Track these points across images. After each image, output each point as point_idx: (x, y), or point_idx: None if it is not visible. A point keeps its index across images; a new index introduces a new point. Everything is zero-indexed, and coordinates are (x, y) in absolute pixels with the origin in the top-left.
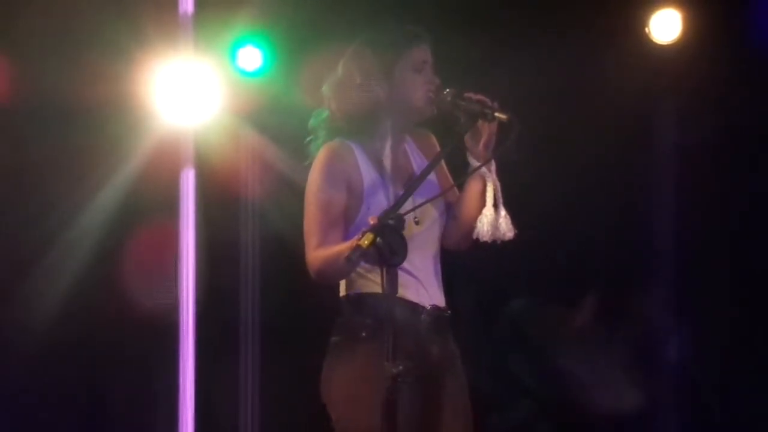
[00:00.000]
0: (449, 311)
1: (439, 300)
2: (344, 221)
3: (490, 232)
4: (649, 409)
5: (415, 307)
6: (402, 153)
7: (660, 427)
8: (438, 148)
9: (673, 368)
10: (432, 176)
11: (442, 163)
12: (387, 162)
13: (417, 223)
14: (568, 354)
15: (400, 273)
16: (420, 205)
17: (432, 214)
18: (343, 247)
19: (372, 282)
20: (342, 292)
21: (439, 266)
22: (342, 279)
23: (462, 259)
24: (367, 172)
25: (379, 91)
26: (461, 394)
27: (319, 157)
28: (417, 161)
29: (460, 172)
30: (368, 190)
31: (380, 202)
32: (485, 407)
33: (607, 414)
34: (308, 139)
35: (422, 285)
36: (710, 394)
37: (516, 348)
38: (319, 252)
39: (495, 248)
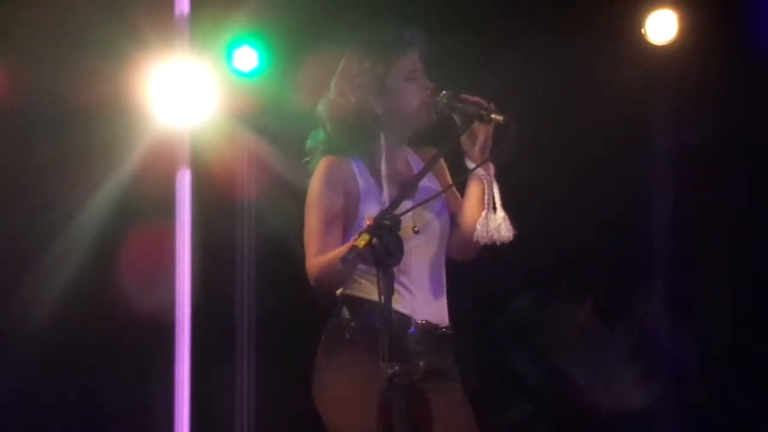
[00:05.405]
0: (449, 328)
1: (436, 315)
2: (343, 230)
3: (488, 234)
4: (649, 409)
5: (404, 319)
6: (403, 164)
7: (660, 427)
8: (443, 166)
9: (673, 368)
10: (434, 184)
11: (446, 170)
12: (384, 172)
13: (416, 232)
14: (568, 353)
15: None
16: (417, 205)
17: (429, 219)
18: (339, 251)
19: (363, 286)
20: (336, 292)
21: (442, 277)
22: (341, 285)
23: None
24: (363, 184)
25: (375, 106)
26: (458, 407)
27: (319, 169)
28: None
29: (460, 176)
30: (364, 199)
31: (375, 212)
32: (485, 407)
33: (607, 413)
34: (306, 159)
35: (415, 297)
36: (710, 394)
37: (516, 347)
38: (318, 259)
39: (494, 248)
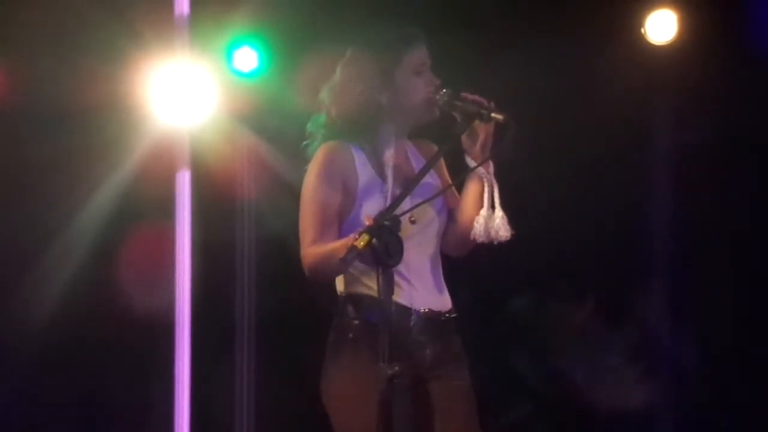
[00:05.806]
0: (452, 313)
1: (437, 303)
2: (339, 220)
3: (486, 233)
4: (649, 409)
5: (404, 311)
6: (403, 157)
7: (660, 427)
8: (441, 162)
9: (673, 368)
10: (433, 179)
11: (444, 167)
12: (387, 164)
13: (413, 222)
14: (568, 353)
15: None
16: (417, 205)
17: (429, 214)
18: (337, 245)
19: (363, 283)
20: (338, 291)
21: (439, 268)
22: (335, 277)
23: (461, 258)
24: (363, 173)
25: (381, 97)
26: (459, 398)
27: (317, 156)
28: (418, 167)
29: (460, 174)
30: (363, 191)
31: (375, 202)
32: (485, 407)
33: (607, 413)
34: (305, 143)
35: (415, 288)
36: (710, 394)
37: (516, 347)
38: (313, 249)
39: (494, 247)
